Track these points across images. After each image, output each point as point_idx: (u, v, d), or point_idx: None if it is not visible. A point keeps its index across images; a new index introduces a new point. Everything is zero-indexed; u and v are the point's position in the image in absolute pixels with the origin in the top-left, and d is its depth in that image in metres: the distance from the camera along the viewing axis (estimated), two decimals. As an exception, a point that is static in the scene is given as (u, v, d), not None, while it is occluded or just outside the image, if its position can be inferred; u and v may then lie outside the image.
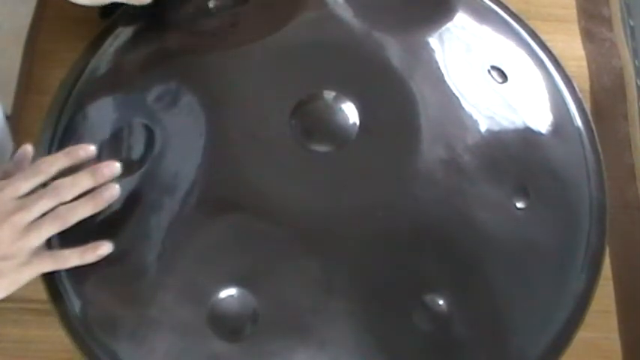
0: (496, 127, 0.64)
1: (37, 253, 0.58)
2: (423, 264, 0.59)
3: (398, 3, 0.69)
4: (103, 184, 0.59)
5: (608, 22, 0.87)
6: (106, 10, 0.74)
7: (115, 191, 0.60)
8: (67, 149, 0.61)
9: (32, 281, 0.59)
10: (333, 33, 0.66)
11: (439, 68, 0.64)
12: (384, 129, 0.62)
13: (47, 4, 0.81)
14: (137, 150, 0.62)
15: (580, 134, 0.68)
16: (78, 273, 0.60)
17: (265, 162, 0.60)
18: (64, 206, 0.58)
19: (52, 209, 0.58)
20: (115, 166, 0.60)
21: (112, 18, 0.71)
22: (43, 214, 0.58)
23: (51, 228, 0.58)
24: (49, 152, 0.65)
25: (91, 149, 0.61)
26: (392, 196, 0.60)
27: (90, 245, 0.59)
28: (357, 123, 0.61)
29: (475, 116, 0.63)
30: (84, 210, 0.58)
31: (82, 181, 0.59)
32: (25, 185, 0.58)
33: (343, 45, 0.65)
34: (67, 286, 0.60)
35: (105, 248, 0.59)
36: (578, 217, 0.65)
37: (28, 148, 0.63)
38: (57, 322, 0.60)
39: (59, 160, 0.60)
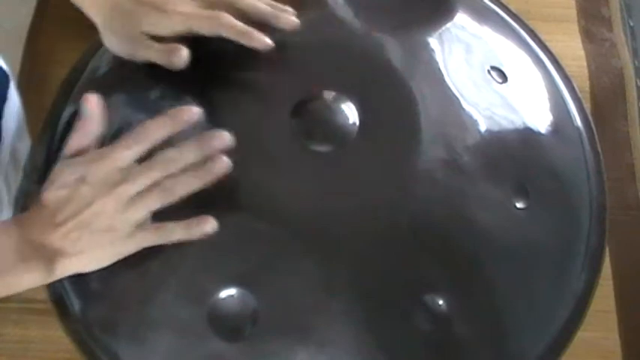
0: (496, 127, 0.64)
1: (141, 225, 0.56)
2: (422, 264, 0.59)
3: (398, 3, 0.69)
4: (211, 156, 0.57)
5: (608, 22, 0.87)
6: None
7: (225, 165, 0.56)
8: (171, 112, 0.58)
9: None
10: (333, 33, 0.66)
11: (439, 68, 0.64)
12: (384, 129, 0.62)
13: (48, 4, 0.81)
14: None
15: (580, 134, 0.68)
16: (78, 273, 0.60)
17: (265, 162, 0.60)
18: (170, 180, 0.56)
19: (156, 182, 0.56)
20: (225, 137, 0.57)
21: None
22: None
23: (156, 202, 0.56)
24: (49, 152, 0.65)
25: (196, 112, 0.58)
26: (392, 196, 0.60)
27: (195, 220, 0.56)
28: (357, 123, 0.61)
29: (475, 116, 0.63)
30: (191, 184, 0.56)
31: (189, 153, 0.56)
32: (128, 154, 0.56)
33: (343, 45, 0.65)
34: (67, 286, 0.60)
35: (210, 225, 0.56)
36: (578, 217, 0.65)
37: (93, 99, 0.60)
38: (57, 322, 0.60)
39: (164, 127, 0.57)
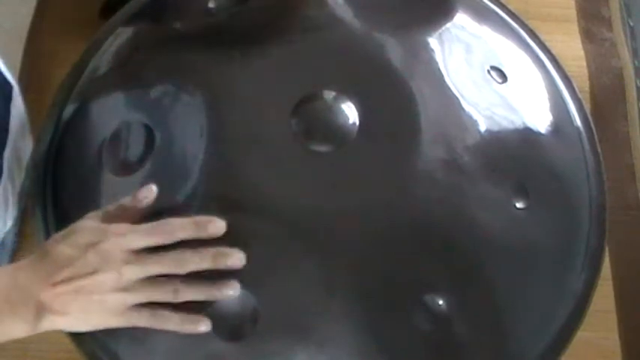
0: (496, 127, 0.64)
1: (135, 307, 0.56)
2: (422, 264, 0.59)
3: (398, 3, 0.69)
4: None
5: (607, 22, 0.87)
6: (106, 11, 0.74)
7: (233, 292, 0.56)
8: (197, 219, 0.57)
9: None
10: (333, 33, 0.66)
11: (439, 68, 0.64)
12: (384, 129, 0.62)
13: (48, 4, 0.81)
14: (137, 150, 0.62)
15: (580, 134, 0.68)
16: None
17: (265, 162, 0.60)
18: (175, 284, 0.56)
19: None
20: (240, 259, 0.56)
21: (112, 18, 0.71)
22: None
23: (153, 298, 0.56)
24: (49, 152, 0.65)
25: (222, 226, 0.57)
26: (392, 195, 0.60)
27: (192, 317, 0.56)
28: (357, 123, 0.61)
29: (475, 116, 0.63)
30: (193, 295, 0.56)
31: (200, 262, 0.56)
32: (140, 242, 0.56)
33: (343, 45, 0.65)
34: (67, 286, 0.60)
35: (204, 327, 0.56)
36: (578, 217, 0.65)
37: (153, 189, 0.59)
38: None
39: (185, 230, 0.56)
